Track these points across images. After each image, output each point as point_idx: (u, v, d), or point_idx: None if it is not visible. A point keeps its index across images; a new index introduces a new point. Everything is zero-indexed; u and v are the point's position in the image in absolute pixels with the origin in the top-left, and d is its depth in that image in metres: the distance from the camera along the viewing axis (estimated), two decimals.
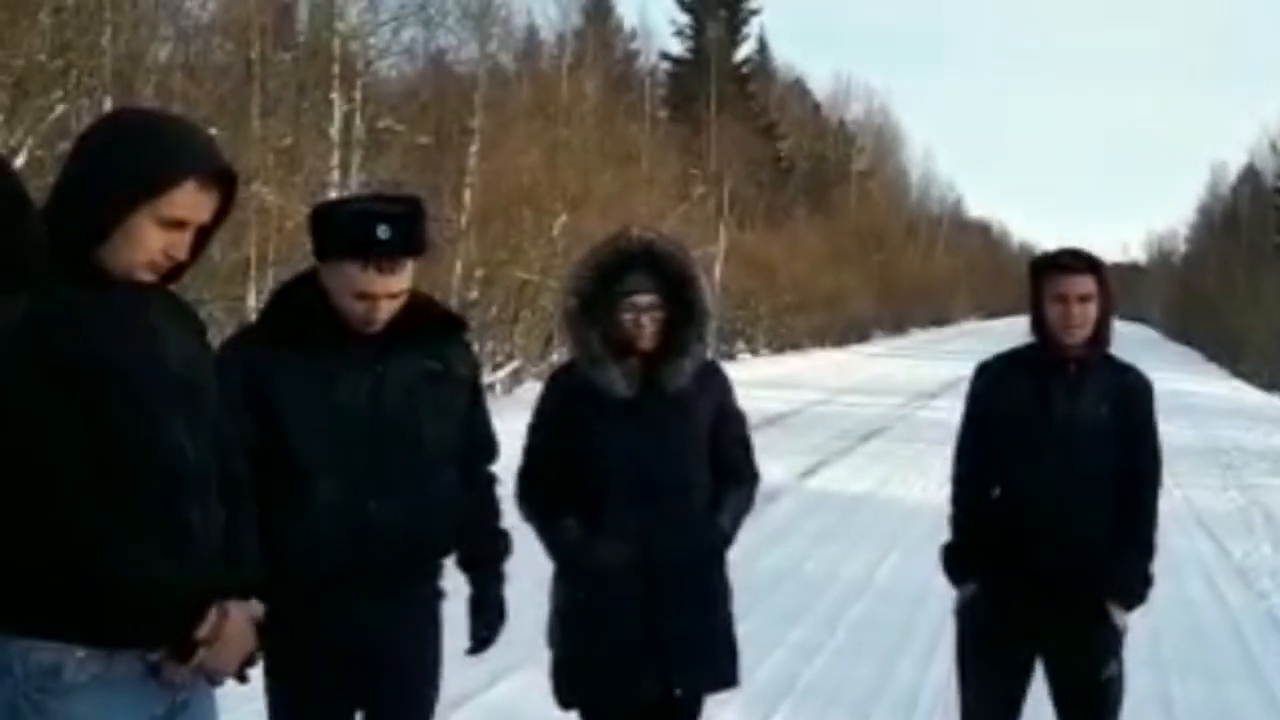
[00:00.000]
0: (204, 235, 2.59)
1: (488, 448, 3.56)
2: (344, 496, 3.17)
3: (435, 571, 3.43)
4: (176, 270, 2.58)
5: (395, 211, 3.21)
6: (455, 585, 3.53)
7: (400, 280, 3.20)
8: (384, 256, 3.14)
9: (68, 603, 2.37)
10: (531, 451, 3.86)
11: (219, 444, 2.65)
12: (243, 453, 2.78)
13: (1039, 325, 4.00)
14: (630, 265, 3.73)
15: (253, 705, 3.34)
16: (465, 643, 3.53)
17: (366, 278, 3.15)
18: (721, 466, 3.86)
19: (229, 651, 2.53)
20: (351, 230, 3.17)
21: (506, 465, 3.83)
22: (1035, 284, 4.01)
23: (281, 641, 2.78)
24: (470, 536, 3.46)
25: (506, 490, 3.63)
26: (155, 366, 2.51)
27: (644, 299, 3.71)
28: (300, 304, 3.27)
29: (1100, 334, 3.98)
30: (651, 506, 3.71)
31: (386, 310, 3.21)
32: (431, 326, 3.37)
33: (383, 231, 3.13)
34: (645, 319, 3.71)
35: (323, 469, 3.17)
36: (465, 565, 3.53)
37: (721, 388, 3.91)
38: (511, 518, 3.65)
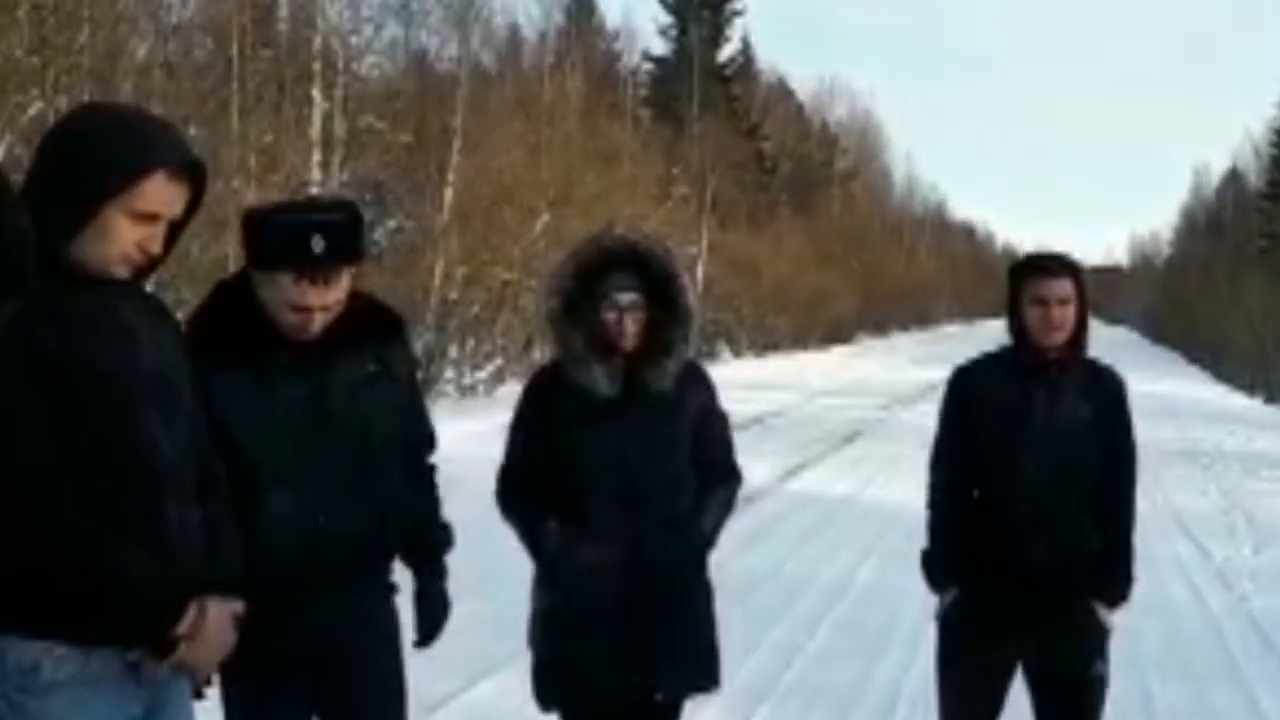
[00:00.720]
0: (177, 229, 2.58)
1: (426, 439, 3.48)
2: (292, 508, 3.08)
3: (387, 570, 3.36)
4: (150, 265, 2.56)
5: (331, 220, 3.08)
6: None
7: (335, 291, 3.09)
8: (318, 269, 3.03)
9: (51, 602, 2.37)
10: (512, 453, 3.83)
11: (195, 443, 2.64)
12: (217, 453, 2.76)
13: (1017, 328, 4.01)
14: (613, 264, 3.71)
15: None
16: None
17: (299, 290, 3.04)
18: (704, 468, 3.84)
19: (208, 648, 2.55)
20: (284, 241, 3.05)
21: (489, 462, 3.81)
22: (1014, 287, 4.01)
23: (236, 647, 2.73)
24: (413, 531, 3.39)
25: (449, 481, 3.56)
26: (132, 366, 2.50)
27: (626, 298, 3.69)
28: (236, 312, 3.15)
29: (1078, 337, 3.99)
30: (636, 508, 3.69)
31: (321, 320, 3.10)
32: (371, 329, 3.27)
33: (317, 244, 3.01)
34: (628, 318, 3.69)
35: (269, 482, 3.07)
36: (408, 559, 3.44)
37: (705, 388, 3.89)
38: (457, 509, 3.59)
